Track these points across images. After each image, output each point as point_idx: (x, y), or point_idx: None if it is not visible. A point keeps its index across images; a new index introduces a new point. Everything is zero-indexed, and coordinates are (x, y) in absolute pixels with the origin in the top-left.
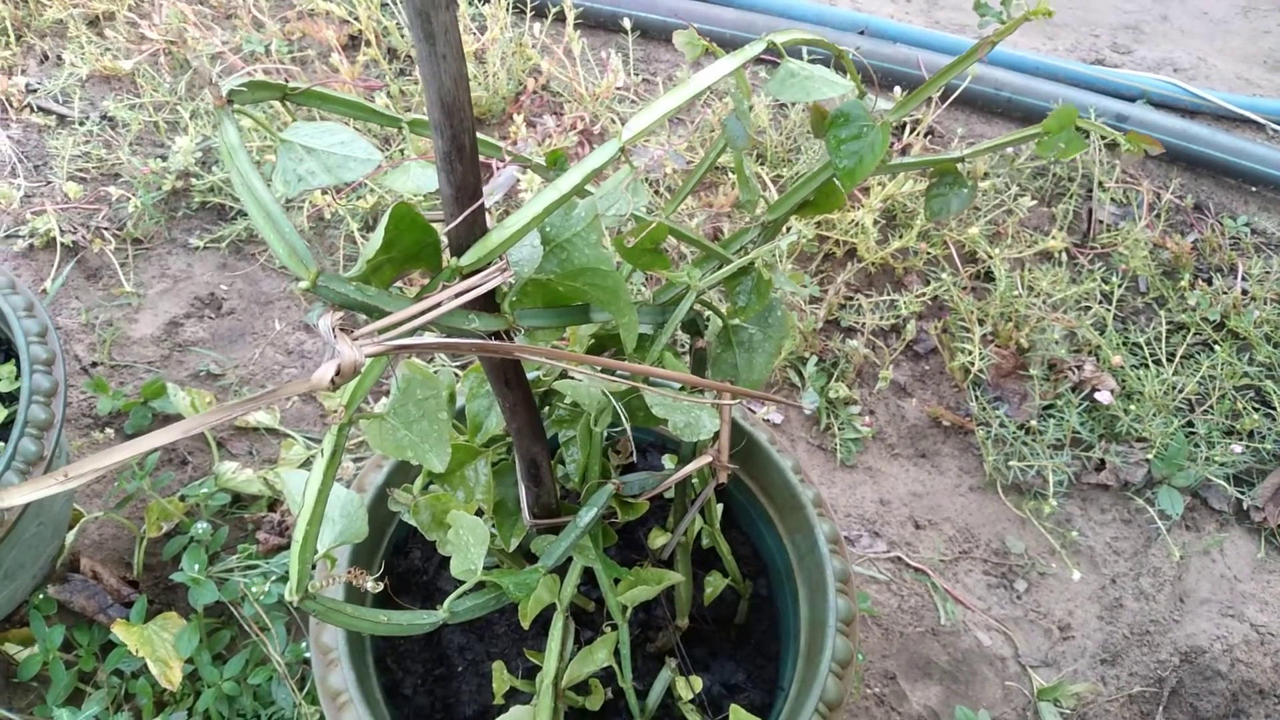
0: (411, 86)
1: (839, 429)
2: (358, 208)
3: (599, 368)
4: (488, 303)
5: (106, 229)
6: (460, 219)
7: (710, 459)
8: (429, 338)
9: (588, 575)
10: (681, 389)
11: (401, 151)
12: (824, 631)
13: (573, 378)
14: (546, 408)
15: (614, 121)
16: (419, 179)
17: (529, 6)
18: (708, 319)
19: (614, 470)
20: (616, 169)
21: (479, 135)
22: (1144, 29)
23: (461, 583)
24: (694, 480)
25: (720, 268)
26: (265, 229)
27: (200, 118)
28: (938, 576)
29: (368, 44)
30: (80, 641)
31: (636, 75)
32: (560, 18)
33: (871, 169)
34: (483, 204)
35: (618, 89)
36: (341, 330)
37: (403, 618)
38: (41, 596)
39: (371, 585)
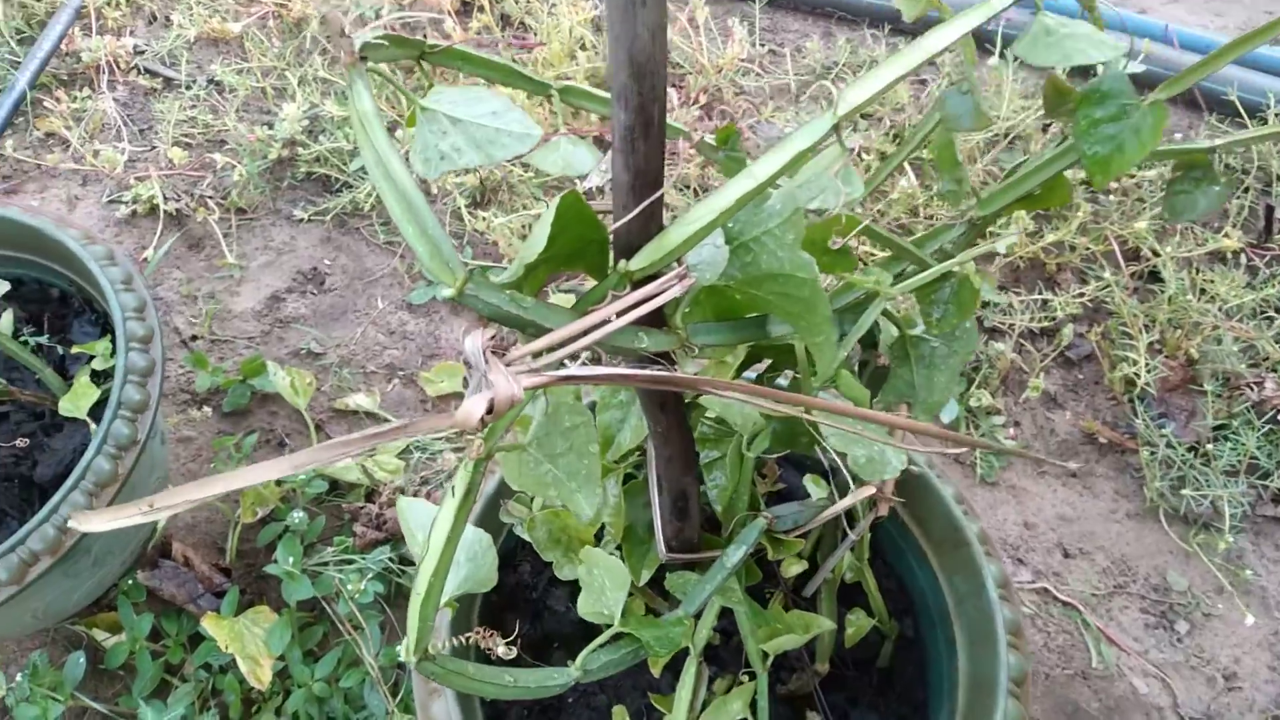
0: (525, 55)
1: None
2: (464, 182)
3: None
4: (655, 315)
5: (210, 197)
6: (637, 211)
7: (873, 490)
8: (583, 363)
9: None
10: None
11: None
12: (993, 692)
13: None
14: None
15: (739, 93)
16: (571, 157)
17: None
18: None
19: (761, 498)
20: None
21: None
22: None
23: (575, 600)
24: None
25: (907, 270)
26: (404, 221)
27: (308, 84)
28: (1089, 612)
29: (480, 10)
30: (169, 631)
31: (762, 45)
32: None
33: (1135, 159)
34: (663, 194)
35: (741, 60)
36: (493, 354)
37: (530, 678)
38: (131, 582)
39: (504, 651)
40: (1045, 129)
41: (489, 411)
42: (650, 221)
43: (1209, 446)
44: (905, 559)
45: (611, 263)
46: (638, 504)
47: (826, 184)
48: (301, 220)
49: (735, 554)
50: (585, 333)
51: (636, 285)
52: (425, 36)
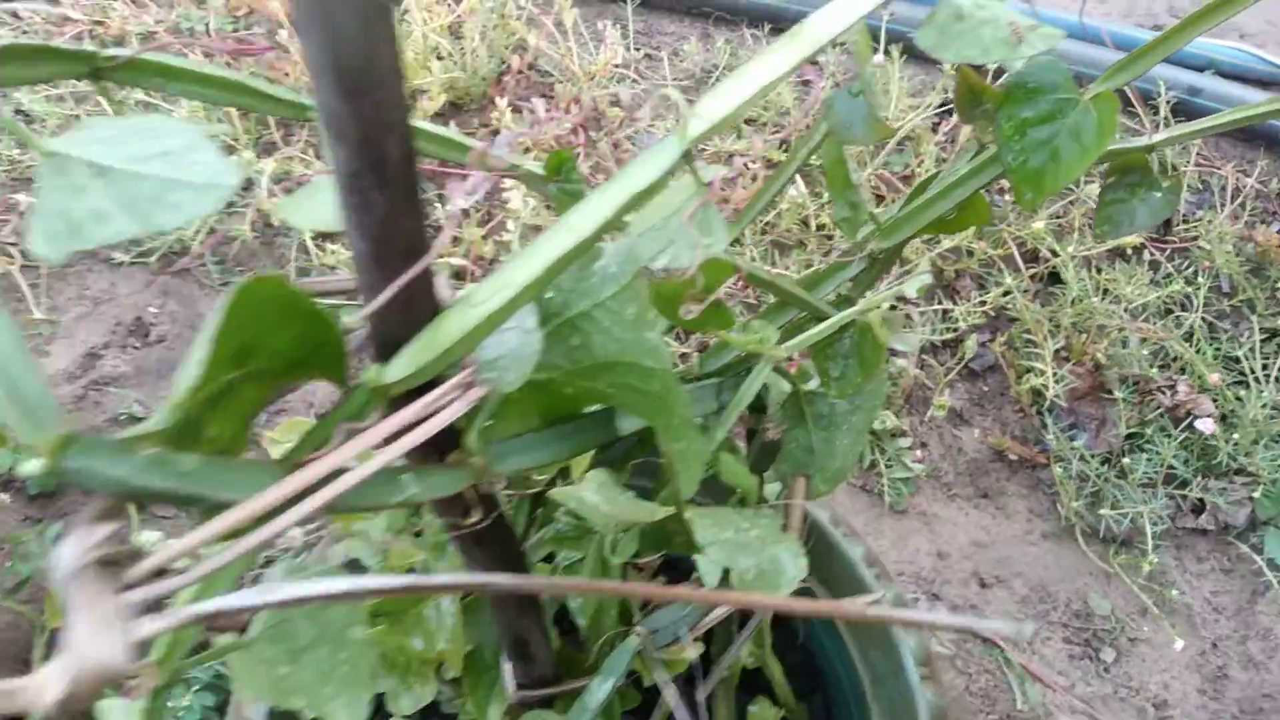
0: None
1: (886, 466)
2: None
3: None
4: (438, 438)
5: (14, 244)
6: (384, 297)
7: None
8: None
9: None
10: (741, 500)
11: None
12: None
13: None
14: (540, 509)
15: (614, 103)
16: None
17: None
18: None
19: (635, 605)
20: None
21: (436, 129)
22: None
23: None
24: None
25: (796, 319)
26: None
27: (132, 110)
28: (1011, 648)
29: None
30: None
31: (637, 50)
32: None
33: (1077, 170)
34: (430, 268)
35: (615, 66)
36: (100, 573)
37: None
38: None
39: None
40: (935, 128)
41: (67, 697)
42: (414, 306)
43: (1124, 460)
44: (813, 627)
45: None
46: (483, 620)
47: (679, 233)
48: (122, 264)
49: (601, 689)
50: (300, 498)
51: (400, 402)
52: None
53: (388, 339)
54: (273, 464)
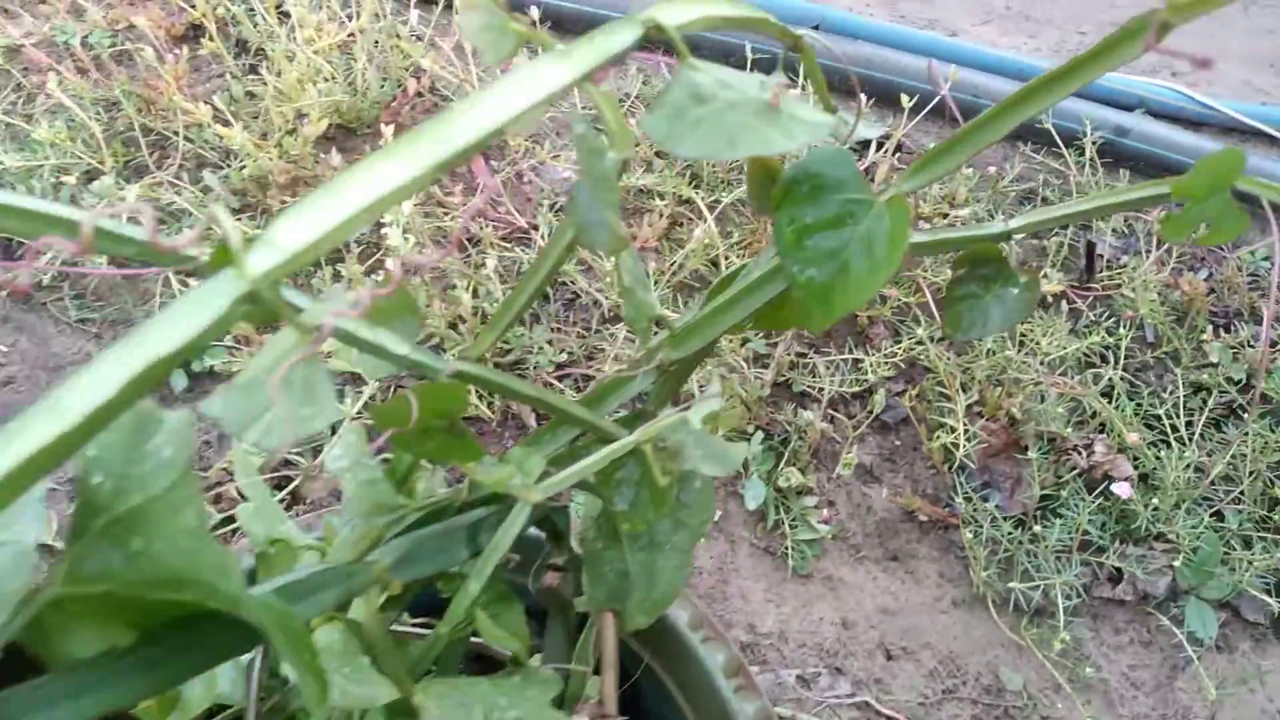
0: (260, 88)
1: (790, 527)
2: None
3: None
4: None
5: None
6: None
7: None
8: None
9: None
10: (516, 662)
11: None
12: None
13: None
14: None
15: (517, 134)
16: None
17: None
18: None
19: None
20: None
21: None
22: None
23: None
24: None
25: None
26: None
27: None
28: None
29: (210, 37)
30: None
31: None
32: (450, 5)
33: (868, 291)
34: None
35: None
36: None
37: None
38: None
39: None
40: None
41: None
42: None
43: (1037, 528)
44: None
45: None
46: None
47: (274, 397)
48: None
49: None
50: None
51: None
52: (140, 67)
53: None
54: None
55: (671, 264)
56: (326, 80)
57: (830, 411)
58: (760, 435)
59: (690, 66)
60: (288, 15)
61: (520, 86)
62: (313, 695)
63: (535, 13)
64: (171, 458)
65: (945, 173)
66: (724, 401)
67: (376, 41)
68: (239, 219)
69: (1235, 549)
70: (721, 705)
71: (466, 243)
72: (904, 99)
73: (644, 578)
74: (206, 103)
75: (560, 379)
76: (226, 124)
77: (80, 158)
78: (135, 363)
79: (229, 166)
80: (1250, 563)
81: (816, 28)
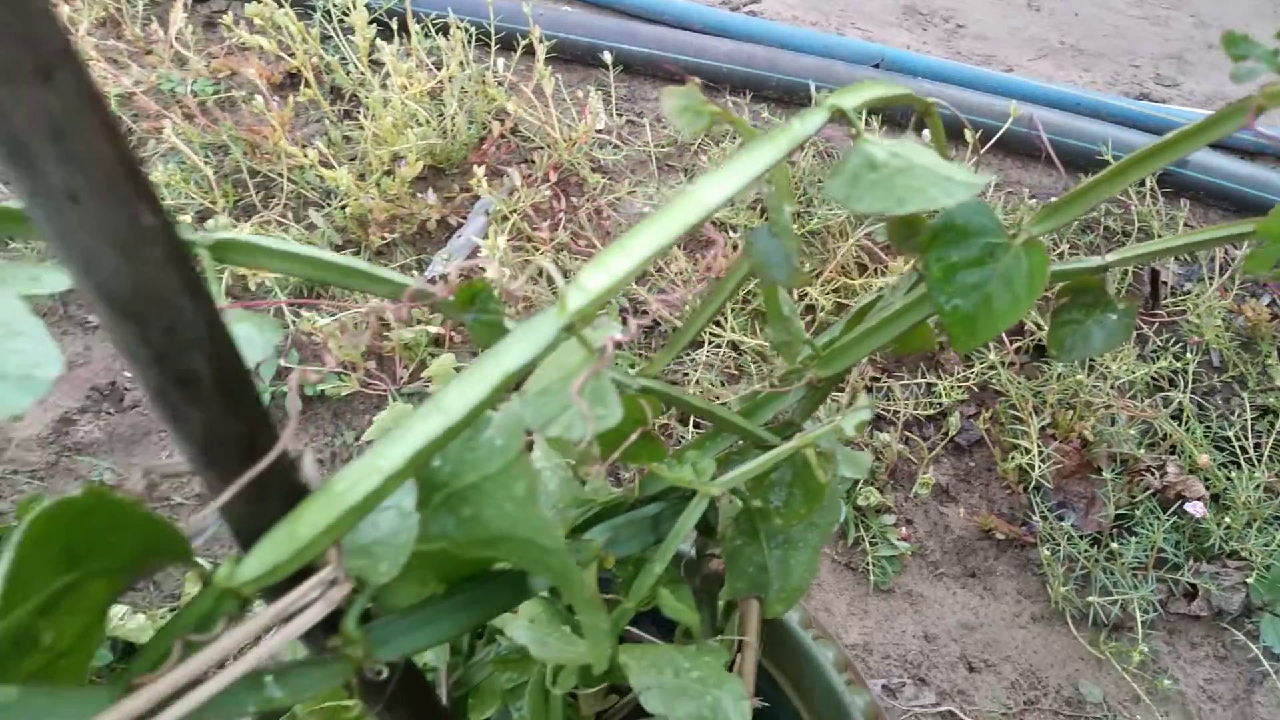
0: (356, 132)
1: (871, 544)
2: (287, 279)
3: None
4: (309, 632)
5: None
6: (222, 499)
7: None
8: None
9: None
10: (688, 634)
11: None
12: None
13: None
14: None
15: (595, 168)
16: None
17: (493, 38)
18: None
19: None
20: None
21: (370, 268)
22: (1188, 59)
23: None
24: None
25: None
26: None
27: None
28: None
29: (306, 84)
30: None
31: (620, 116)
32: (530, 51)
33: (1010, 319)
34: (286, 454)
35: (598, 132)
36: None
37: None
38: None
39: None
40: None
41: None
42: (266, 499)
43: (1113, 545)
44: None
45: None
46: None
47: (569, 404)
48: (97, 327)
49: None
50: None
51: (276, 592)
52: (243, 112)
53: (245, 530)
54: (106, 688)
55: (746, 292)
56: (420, 125)
57: (906, 433)
58: None
59: (864, 140)
60: (378, 64)
61: (747, 164)
62: (595, 638)
63: (609, 56)
64: (504, 445)
65: (1073, 219)
66: (869, 413)
67: (464, 87)
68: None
69: None
70: (836, 699)
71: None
72: (968, 134)
73: (780, 571)
74: (308, 146)
75: None
76: (329, 166)
77: (194, 198)
78: (494, 374)
79: (330, 205)
80: None
81: (878, 65)
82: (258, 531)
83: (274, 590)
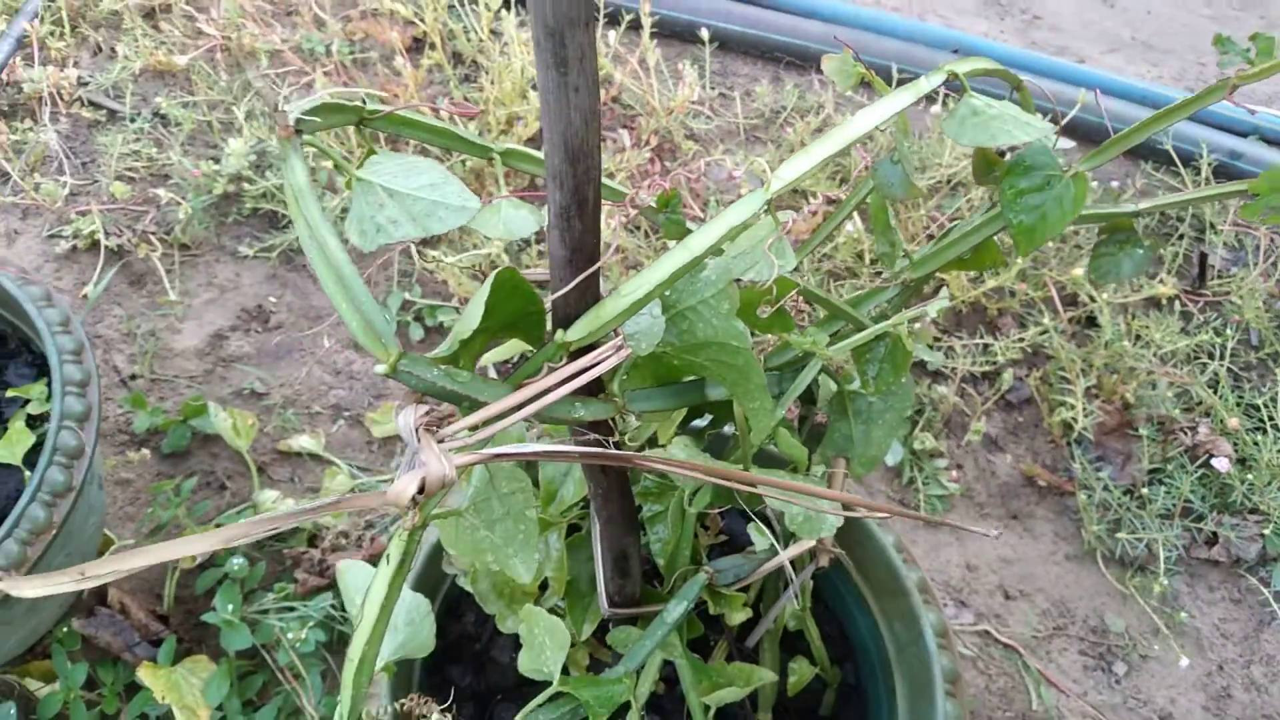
0: (475, 94)
1: (923, 484)
2: None
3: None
4: (593, 383)
5: (153, 233)
6: (573, 284)
7: (813, 542)
8: (517, 433)
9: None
10: (793, 468)
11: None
12: None
13: (662, 445)
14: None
15: (689, 136)
16: (512, 221)
17: (602, 12)
18: (818, 381)
19: (704, 551)
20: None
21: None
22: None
23: (519, 650)
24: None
25: (844, 330)
26: (336, 295)
27: (255, 119)
28: (1029, 655)
29: (432, 47)
30: (104, 680)
31: (712, 89)
32: (635, 25)
33: (1059, 228)
34: (600, 268)
35: (692, 103)
36: (427, 430)
37: None
38: (66, 630)
39: (439, 719)
40: None
41: (421, 491)
42: (586, 293)
43: (1144, 490)
44: (846, 605)
45: (550, 333)
46: (581, 557)
47: (760, 256)
48: (247, 257)
49: (676, 610)
50: (522, 405)
51: (574, 356)
52: (377, 73)
53: (566, 314)
54: (505, 384)
55: (822, 254)
56: (535, 90)
57: (962, 387)
58: None
59: (971, 95)
60: (496, 34)
61: (886, 106)
62: (761, 416)
63: (705, 34)
64: (716, 279)
65: (1108, 160)
66: (947, 302)
67: None
68: None
69: None
70: (894, 573)
71: (650, 231)
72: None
73: (863, 441)
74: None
75: None
76: (453, 123)
77: (334, 146)
78: (720, 228)
79: (449, 160)
80: None
81: (955, 51)
82: (572, 317)
83: (577, 353)
